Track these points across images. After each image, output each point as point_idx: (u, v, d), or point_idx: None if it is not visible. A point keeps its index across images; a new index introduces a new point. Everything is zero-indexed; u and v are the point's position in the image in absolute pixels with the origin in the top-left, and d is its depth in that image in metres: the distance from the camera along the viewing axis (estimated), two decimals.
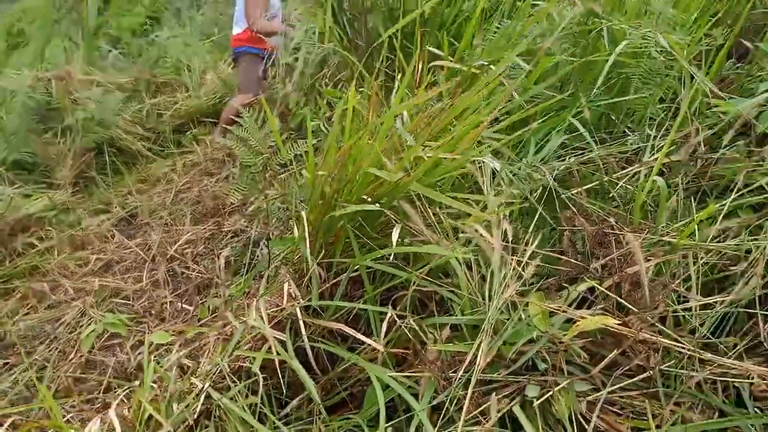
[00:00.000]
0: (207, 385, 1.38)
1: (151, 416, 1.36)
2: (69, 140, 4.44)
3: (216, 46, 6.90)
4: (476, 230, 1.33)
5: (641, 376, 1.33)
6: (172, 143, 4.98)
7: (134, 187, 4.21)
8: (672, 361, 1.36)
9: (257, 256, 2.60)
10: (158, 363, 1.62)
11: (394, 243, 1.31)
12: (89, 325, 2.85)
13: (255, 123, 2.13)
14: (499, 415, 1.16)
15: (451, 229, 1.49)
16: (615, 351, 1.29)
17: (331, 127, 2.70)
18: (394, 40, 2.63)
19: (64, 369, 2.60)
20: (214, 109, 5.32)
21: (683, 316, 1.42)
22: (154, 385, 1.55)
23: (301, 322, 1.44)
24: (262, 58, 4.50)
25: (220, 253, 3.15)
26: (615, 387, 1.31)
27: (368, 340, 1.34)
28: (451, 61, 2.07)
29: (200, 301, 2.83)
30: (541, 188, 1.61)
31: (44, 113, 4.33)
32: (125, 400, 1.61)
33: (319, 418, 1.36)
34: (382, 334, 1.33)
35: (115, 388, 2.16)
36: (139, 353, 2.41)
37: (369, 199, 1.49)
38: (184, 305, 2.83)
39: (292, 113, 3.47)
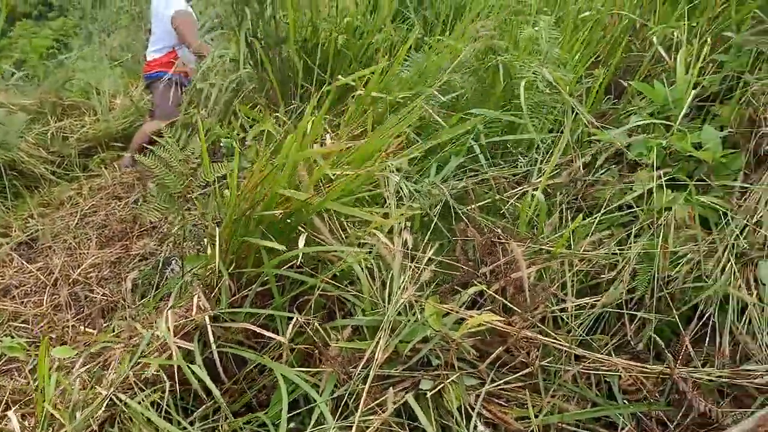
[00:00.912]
0: (111, 391, 1.39)
1: (52, 423, 1.36)
2: None
3: (126, 70, 6.80)
4: (378, 237, 1.44)
5: (524, 372, 1.48)
6: (77, 167, 4.84)
7: (36, 211, 4.07)
8: (551, 358, 1.52)
9: (167, 277, 2.60)
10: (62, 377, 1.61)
11: (301, 245, 1.40)
12: None
13: (177, 144, 2.17)
14: (395, 406, 1.26)
15: (356, 239, 1.60)
16: (500, 348, 1.43)
17: (245, 148, 2.78)
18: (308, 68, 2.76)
19: None
20: (123, 134, 5.22)
21: (561, 317, 1.59)
22: (57, 399, 1.54)
23: (209, 328, 1.49)
24: (175, 83, 4.51)
25: (127, 275, 3.11)
26: (500, 381, 1.44)
27: (274, 335, 1.41)
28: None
29: (104, 325, 2.78)
30: (440, 204, 1.76)
31: None
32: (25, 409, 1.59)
33: (225, 421, 1.40)
34: (288, 334, 1.40)
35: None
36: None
37: (280, 215, 1.58)
38: (87, 329, 2.76)
39: (207, 135, 3.51)
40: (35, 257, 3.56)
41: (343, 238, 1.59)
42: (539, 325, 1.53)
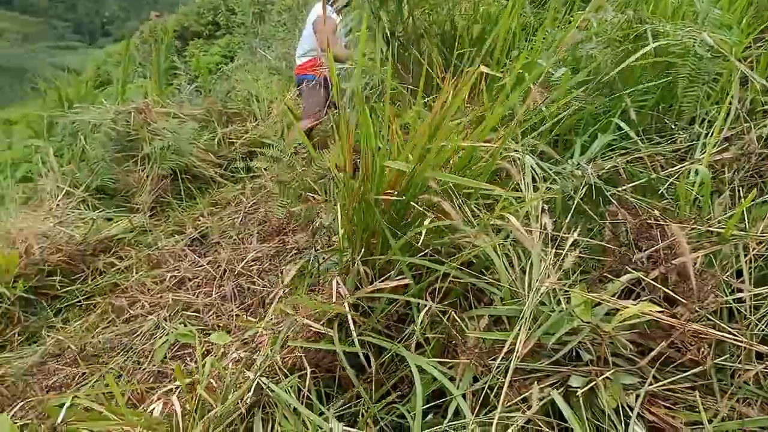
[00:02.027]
0: (257, 375, 1.44)
1: (207, 406, 1.44)
2: (147, 168, 4.72)
3: (283, 78, 7.20)
4: (513, 221, 1.34)
5: (694, 370, 1.30)
6: (241, 169, 5.22)
7: (206, 210, 4.42)
8: (726, 356, 1.33)
9: (317, 268, 2.68)
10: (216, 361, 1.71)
11: (425, 227, 1.35)
12: (162, 336, 3.01)
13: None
14: (541, 403, 1.16)
15: (489, 223, 1.51)
16: (663, 343, 1.27)
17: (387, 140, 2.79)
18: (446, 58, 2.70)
19: (138, 377, 2.75)
20: (281, 137, 5.54)
21: (737, 309, 1.38)
22: (213, 381, 1.64)
23: (349, 316, 1.50)
24: (320, 84, 4.69)
25: (284, 267, 3.27)
26: (665, 381, 1.28)
27: (419, 300, 1.35)
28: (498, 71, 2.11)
29: (264, 314, 2.94)
30: (585, 187, 1.61)
31: (125, 143, 4.64)
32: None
33: (365, 408, 1.40)
34: (419, 322, 1.36)
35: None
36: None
37: (395, 192, 1.54)
38: (249, 318, 2.93)
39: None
40: (205, 252, 3.86)
41: (472, 221, 1.51)
42: (710, 317, 1.34)
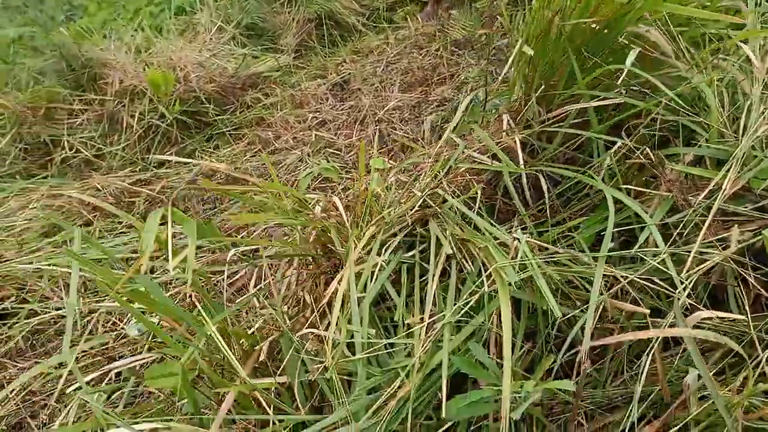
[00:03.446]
0: (425, 192, 1.45)
1: (367, 213, 1.47)
2: (294, 10, 4.71)
3: None
4: (732, 59, 1.19)
5: None
6: (384, 20, 5.09)
7: (348, 57, 4.40)
8: None
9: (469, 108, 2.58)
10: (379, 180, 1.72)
11: (629, 62, 1.23)
12: (306, 169, 3.13)
13: None
14: (741, 245, 1.08)
15: (703, 60, 1.35)
16: None
17: None
18: None
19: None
20: None
21: None
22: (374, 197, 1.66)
23: (518, 145, 1.44)
24: None
25: (426, 117, 3.24)
26: None
27: (609, 138, 1.27)
28: None
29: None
30: None
31: None
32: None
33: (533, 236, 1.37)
34: (611, 156, 1.27)
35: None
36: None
37: (596, 25, 1.40)
38: (389, 162, 2.96)
39: None
40: (347, 97, 3.89)
41: (685, 54, 1.35)
42: None
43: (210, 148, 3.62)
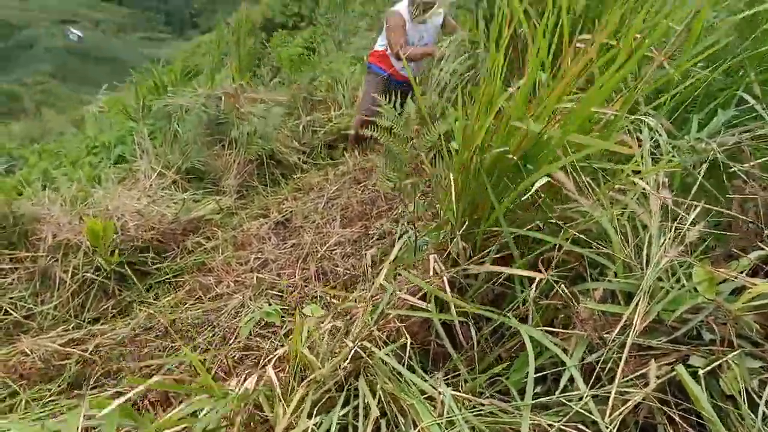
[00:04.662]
0: (357, 343, 1.42)
1: (303, 371, 1.43)
2: (235, 152, 4.84)
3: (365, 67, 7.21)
4: (631, 193, 1.25)
5: None
6: (324, 157, 5.27)
7: (290, 195, 4.49)
8: None
9: (403, 248, 2.64)
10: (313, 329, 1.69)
11: (535, 188, 1.28)
12: (247, 314, 3.06)
13: (393, 109, 2.18)
14: (660, 381, 1.08)
15: (605, 195, 1.42)
16: None
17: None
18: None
19: (224, 353, 2.80)
20: None
21: None
22: (307, 351, 1.63)
23: (447, 287, 1.45)
24: (384, 79, 4.66)
25: (367, 251, 3.26)
26: None
27: (528, 273, 1.30)
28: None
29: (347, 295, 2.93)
30: (706, 162, 1.49)
31: (214, 127, 4.77)
32: (279, 367, 1.70)
33: (467, 380, 1.34)
34: (532, 292, 1.29)
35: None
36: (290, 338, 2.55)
37: (511, 156, 1.47)
38: (332, 300, 2.94)
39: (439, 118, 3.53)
40: (289, 235, 3.92)
41: (590, 194, 1.42)
42: None
43: (150, 298, 3.53)
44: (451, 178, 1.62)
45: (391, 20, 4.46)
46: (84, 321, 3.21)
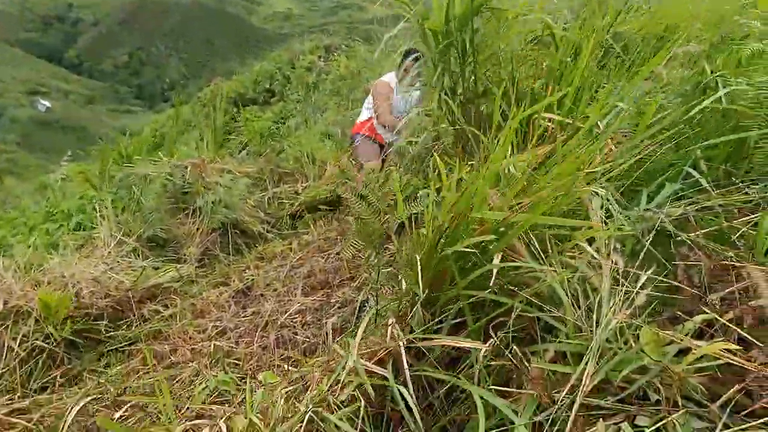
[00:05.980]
0: (310, 408, 1.40)
1: None
2: (198, 220, 4.82)
3: (336, 143, 7.35)
4: (582, 258, 1.30)
5: (766, 419, 1.20)
6: (289, 227, 5.28)
7: (252, 263, 4.45)
8: None
9: (363, 315, 2.64)
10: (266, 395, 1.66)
11: (495, 262, 1.31)
12: (202, 383, 2.97)
13: (377, 181, 2.23)
14: None
15: (557, 260, 1.46)
16: (735, 387, 1.18)
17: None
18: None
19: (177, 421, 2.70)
20: (329, 198, 5.60)
21: None
22: (260, 416, 1.59)
23: (402, 352, 1.45)
24: (371, 139, 4.80)
25: (328, 320, 3.24)
26: (736, 428, 1.18)
27: (471, 344, 1.31)
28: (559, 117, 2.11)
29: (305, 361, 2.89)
30: (654, 230, 1.56)
31: (178, 196, 4.77)
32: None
33: None
34: (483, 352, 1.30)
35: None
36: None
37: (478, 239, 1.52)
38: (290, 367, 2.88)
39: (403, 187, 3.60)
40: (249, 303, 3.86)
41: (542, 259, 1.46)
42: None
43: (100, 366, 3.41)
44: (417, 258, 1.66)
45: (378, 88, 4.65)
46: (30, 390, 3.07)
